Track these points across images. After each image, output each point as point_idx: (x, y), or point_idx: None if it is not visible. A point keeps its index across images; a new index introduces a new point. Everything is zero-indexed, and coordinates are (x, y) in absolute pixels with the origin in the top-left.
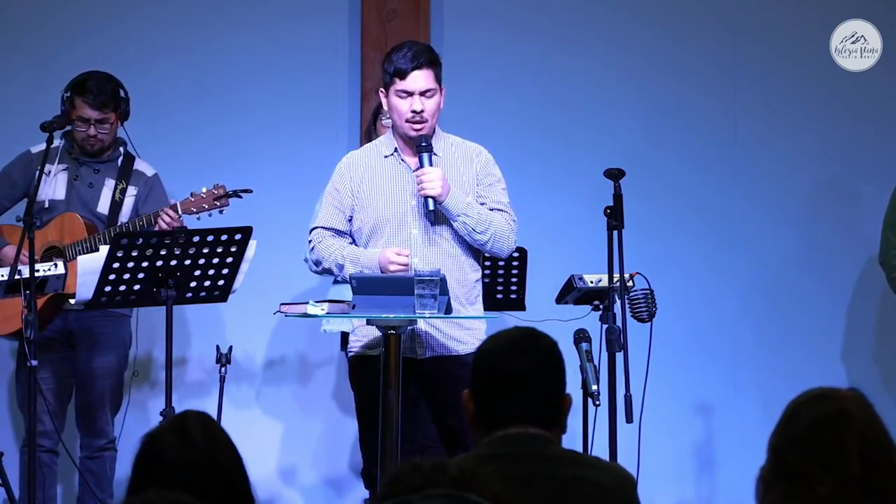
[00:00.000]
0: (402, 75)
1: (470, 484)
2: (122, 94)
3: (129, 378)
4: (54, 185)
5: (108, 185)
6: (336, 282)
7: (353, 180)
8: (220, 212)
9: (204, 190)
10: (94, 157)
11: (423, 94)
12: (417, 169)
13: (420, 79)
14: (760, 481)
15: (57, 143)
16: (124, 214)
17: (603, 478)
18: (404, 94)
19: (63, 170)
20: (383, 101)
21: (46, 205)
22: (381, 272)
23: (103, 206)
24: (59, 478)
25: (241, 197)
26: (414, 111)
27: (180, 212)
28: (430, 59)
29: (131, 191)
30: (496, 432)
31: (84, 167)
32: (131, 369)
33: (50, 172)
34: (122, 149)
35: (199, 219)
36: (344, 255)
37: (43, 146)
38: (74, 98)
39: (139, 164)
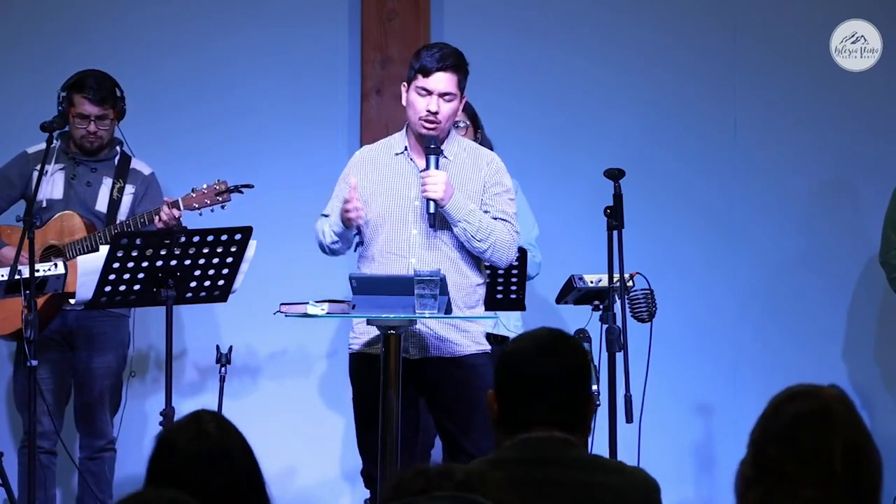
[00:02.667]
0: (426, 73)
1: (476, 489)
2: (118, 92)
3: (127, 378)
4: (52, 185)
5: (106, 184)
6: None
7: (359, 176)
8: (223, 207)
9: (205, 186)
10: (91, 156)
11: (441, 95)
12: (424, 170)
13: (442, 80)
14: (740, 477)
15: (53, 143)
16: (122, 213)
17: (620, 483)
18: (423, 92)
19: (60, 169)
20: (403, 95)
21: (44, 204)
22: (345, 225)
23: (101, 205)
24: (59, 478)
25: (241, 192)
26: (429, 111)
27: (182, 207)
28: (455, 64)
29: (129, 189)
30: (520, 434)
31: (81, 166)
32: (129, 370)
33: (47, 172)
34: (118, 148)
35: (200, 214)
36: (325, 221)
37: (40, 146)
38: (73, 95)
39: (136, 164)
